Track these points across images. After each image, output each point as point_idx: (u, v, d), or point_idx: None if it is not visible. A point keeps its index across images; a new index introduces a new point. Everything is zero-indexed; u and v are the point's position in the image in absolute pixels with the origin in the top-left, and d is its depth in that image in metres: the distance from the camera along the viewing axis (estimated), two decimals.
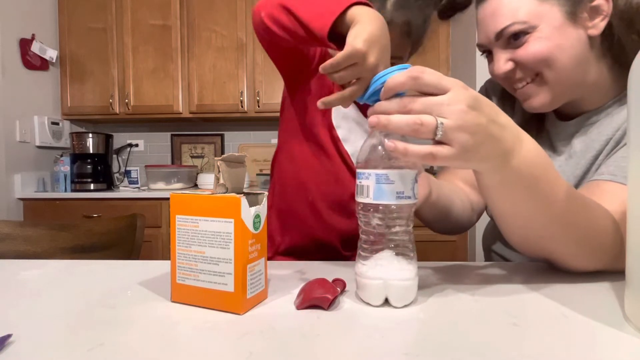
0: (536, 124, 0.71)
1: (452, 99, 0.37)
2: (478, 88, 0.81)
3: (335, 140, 0.77)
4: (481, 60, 2.12)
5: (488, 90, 0.79)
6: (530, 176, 0.43)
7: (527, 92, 0.62)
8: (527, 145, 0.43)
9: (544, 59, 0.58)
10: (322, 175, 0.78)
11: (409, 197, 0.41)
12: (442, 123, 0.37)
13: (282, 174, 0.83)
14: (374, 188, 0.41)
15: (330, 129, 0.76)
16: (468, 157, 0.39)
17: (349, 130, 0.77)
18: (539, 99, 0.62)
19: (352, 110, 0.78)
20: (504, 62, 0.61)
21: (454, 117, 0.37)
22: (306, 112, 0.78)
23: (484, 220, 0.79)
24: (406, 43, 0.70)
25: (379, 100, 0.41)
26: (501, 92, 0.75)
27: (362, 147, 0.44)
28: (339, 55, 0.44)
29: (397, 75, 0.39)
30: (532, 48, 0.58)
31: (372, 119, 0.40)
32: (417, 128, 0.37)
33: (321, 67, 0.45)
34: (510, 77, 0.63)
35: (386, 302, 0.43)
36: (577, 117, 0.65)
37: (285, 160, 0.82)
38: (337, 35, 0.50)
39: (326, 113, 0.77)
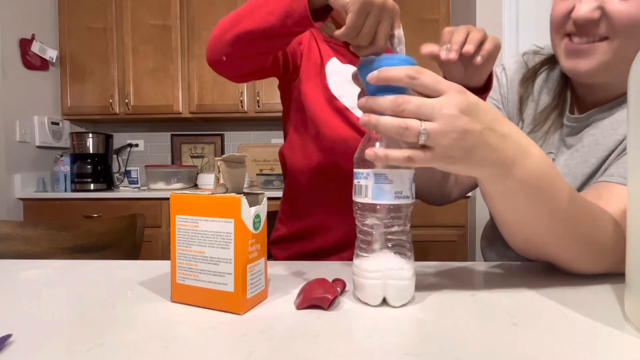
0: (555, 115, 0.68)
1: (444, 103, 0.38)
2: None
3: (342, 111, 0.76)
4: None
5: (507, 68, 0.74)
6: (535, 188, 0.43)
7: (583, 50, 0.57)
8: (533, 156, 0.42)
9: (633, 24, 0.53)
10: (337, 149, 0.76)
11: (407, 197, 0.42)
12: (425, 128, 0.37)
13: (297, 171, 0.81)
14: (373, 188, 0.41)
15: (333, 100, 0.75)
16: (453, 161, 0.39)
17: (353, 98, 0.75)
18: (588, 63, 0.57)
19: (348, 74, 0.74)
20: (592, 8, 0.55)
21: (442, 121, 0.37)
22: (307, 97, 0.77)
23: (484, 220, 0.79)
24: None
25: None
26: (525, 75, 0.72)
27: (360, 146, 0.44)
28: (350, 17, 0.43)
29: (395, 69, 0.39)
30: (632, 7, 0.53)
31: (364, 117, 0.40)
32: (402, 132, 0.38)
33: (340, 35, 0.45)
34: (584, 27, 0.56)
35: (383, 301, 0.43)
36: (589, 111, 0.63)
37: (301, 155, 0.80)
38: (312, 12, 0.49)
39: (326, 91, 0.75)
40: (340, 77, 0.75)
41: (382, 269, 0.42)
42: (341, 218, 0.78)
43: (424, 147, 0.38)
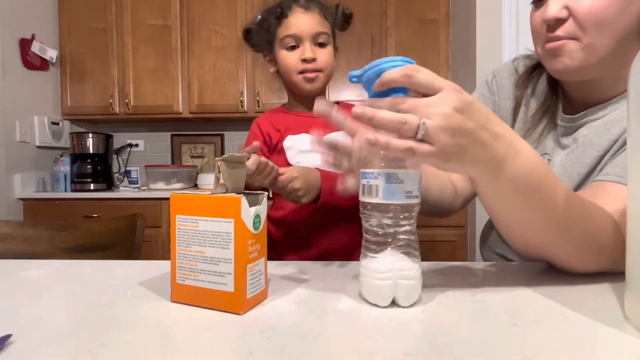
0: (548, 117, 0.69)
1: (440, 101, 0.38)
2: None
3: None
4: (481, 60, 2.12)
5: (498, 76, 0.76)
6: (526, 186, 0.43)
7: (560, 48, 0.59)
8: (524, 155, 0.43)
9: (599, 18, 0.55)
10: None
11: (417, 197, 0.42)
12: (424, 123, 0.37)
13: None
14: (384, 188, 0.41)
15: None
16: (449, 159, 0.39)
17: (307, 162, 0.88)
18: (566, 60, 0.59)
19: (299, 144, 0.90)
20: (559, 7, 0.58)
21: (438, 119, 0.37)
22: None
23: (484, 220, 0.79)
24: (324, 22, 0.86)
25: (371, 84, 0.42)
26: (517, 80, 0.73)
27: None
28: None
29: (392, 72, 0.40)
30: (595, 2, 0.55)
31: (357, 109, 0.39)
32: (400, 126, 0.38)
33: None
34: (554, 27, 0.59)
35: (392, 302, 0.43)
36: (583, 112, 0.64)
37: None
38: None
39: (286, 163, 0.89)
40: (294, 150, 0.89)
41: (393, 269, 0.41)
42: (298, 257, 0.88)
43: (422, 142, 0.38)
